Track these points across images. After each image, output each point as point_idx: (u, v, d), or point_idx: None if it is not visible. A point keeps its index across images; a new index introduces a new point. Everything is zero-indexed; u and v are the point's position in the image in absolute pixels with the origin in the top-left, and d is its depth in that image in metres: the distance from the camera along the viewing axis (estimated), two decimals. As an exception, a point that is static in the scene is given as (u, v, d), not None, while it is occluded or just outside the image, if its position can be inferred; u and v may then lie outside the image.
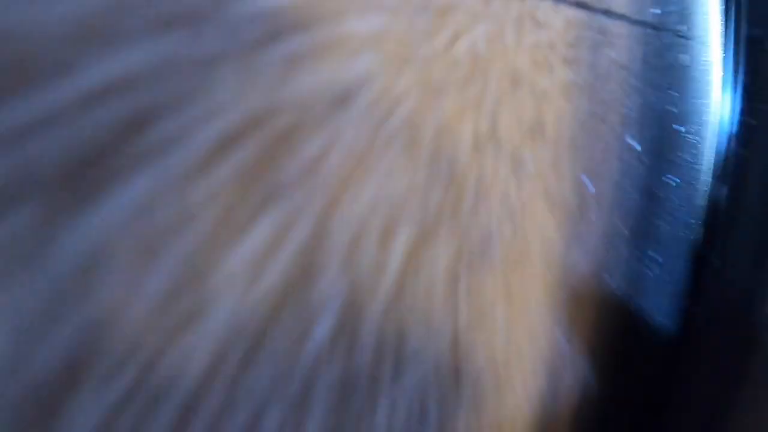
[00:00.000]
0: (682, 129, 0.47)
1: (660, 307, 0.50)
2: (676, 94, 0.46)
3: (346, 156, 0.21)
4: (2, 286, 0.15)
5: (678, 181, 0.48)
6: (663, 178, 0.48)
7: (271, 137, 0.19)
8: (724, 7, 0.45)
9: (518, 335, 0.34)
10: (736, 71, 0.47)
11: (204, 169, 0.18)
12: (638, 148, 0.43)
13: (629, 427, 0.50)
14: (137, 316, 0.17)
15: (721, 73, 0.47)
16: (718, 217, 0.48)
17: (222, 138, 0.18)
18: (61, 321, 0.16)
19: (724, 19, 0.45)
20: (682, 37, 0.46)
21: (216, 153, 0.18)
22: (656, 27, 0.43)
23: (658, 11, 0.44)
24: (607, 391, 0.48)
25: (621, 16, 0.39)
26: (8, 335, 0.15)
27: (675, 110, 0.46)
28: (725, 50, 0.46)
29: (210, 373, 0.18)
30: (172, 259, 0.17)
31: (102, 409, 0.17)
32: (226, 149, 0.18)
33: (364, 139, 0.21)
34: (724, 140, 0.47)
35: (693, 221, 0.49)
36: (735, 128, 0.48)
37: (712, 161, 0.48)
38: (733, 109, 0.48)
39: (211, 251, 0.18)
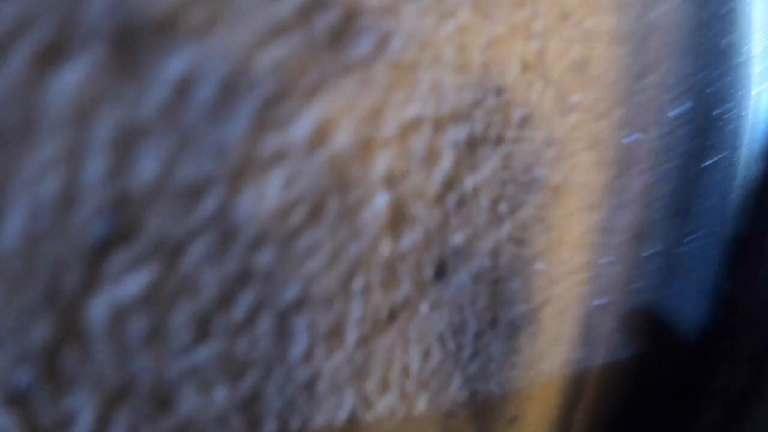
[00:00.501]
0: (718, 113, 0.48)
1: (697, 282, 0.51)
2: (717, 73, 0.48)
3: (404, 48, 0.23)
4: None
5: (724, 156, 0.49)
6: (698, 160, 0.49)
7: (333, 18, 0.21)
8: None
9: (554, 277, 0.35)
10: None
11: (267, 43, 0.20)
12: (674, 120, 0.45)
13: (660, 406, 0.51)
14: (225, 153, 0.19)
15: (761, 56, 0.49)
16: (756, 202, 0.49)
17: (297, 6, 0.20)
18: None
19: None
20: (722, 16, 0.48)
21: (285, 25, 0.20)
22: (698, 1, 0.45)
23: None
24: (639, 369, 0.49)
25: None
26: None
27: (712, 91, 0.48)
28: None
29: (274, 224, 0.21)
30: (246, 109, 0.20)
31: (180, 230, 0.19)
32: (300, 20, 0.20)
33: (418, 42, 0.23)
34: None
35: (738, 199, 0.50)
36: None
37: (759, 141, 0.50)
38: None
39: (279, 110, 0.20)
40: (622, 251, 0.43)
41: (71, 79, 0.16)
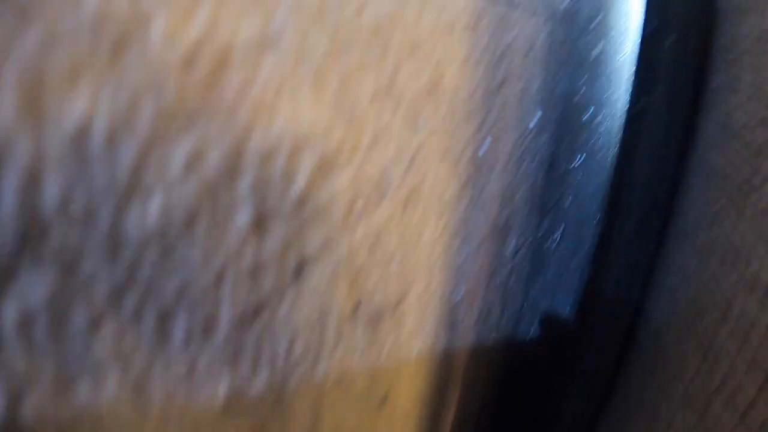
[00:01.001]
0: (587, 116, 0.56)
1: (557, 284, 0.59)
2: (584, 80, 0.55)
3: (263, 90, 0.30)
4: None
5: (588, 158, 0.57)
6: (565, 160, 0.57)
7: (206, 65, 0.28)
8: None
9: (411, 274, 0.43)
10: (641, 62, 0.54)
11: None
12: (533, 126, 0.52)
13: (522, 389, 0.59)
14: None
15: (629, 64, 0.55)
16: (617, 201, 0.56)
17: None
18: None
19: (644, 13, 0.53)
20: (591, 29, 0.55)
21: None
22: (563, 18, 0.53)
23: (568, 3, 0.52)
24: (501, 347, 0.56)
25: (521, 5, 0.49)
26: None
27: (580, 97, 0.55)
28: (638, 42, 0.53)
29: (154, 237, 0.27)
30: (130, 149, 0.26)
31: (78, 244, 0.25)
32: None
33: (279, 79, 0.30)
34: (626, 126, 0.55)
35: (595, 202, 0.57)
36: (634, 116, 0.55)
37: (614, 146, 0.56)
38: (634, 98, 0.55)
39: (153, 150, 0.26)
40: (483, 249, 0.51)
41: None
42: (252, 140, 0.30)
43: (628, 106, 0.56)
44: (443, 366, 0.50)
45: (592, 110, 0.56)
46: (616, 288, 0.56)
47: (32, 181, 0.23)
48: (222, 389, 0.32)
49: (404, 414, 0.47)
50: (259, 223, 0.31)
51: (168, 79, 0.26)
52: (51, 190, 0.24)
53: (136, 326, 0.27)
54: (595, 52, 0.55)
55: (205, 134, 0.28)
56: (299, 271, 0.33)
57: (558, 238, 0.58)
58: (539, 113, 0.53)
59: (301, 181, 0.32)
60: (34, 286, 0.24)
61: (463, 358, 0.53)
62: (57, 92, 0.23)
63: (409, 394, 0.47)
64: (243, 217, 0.30)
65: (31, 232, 0.23)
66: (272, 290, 0.32)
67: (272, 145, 0.31)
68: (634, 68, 0.55)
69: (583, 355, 0.57)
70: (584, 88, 0.55)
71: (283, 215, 0.32)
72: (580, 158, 0.57)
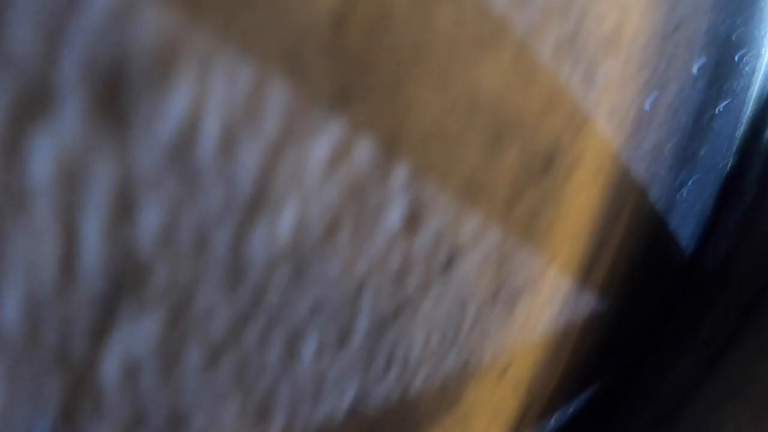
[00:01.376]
0: (738, 57, 0.48)
1: (685, 229, 0.53)
2: (740, 20, 0.46)
3: (435, 51, 0.21)
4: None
5: (734, 99, 0.49)
6: (712, 106, 0.49)
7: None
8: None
9: (557, 246, 0.36)
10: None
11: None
12: (696, 72, 0.44)
13: (632, 345, 0.55)
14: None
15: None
16: (755, 151, 0.50)
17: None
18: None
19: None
20: None
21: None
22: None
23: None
24: (620, 304, 0.51)
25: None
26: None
27: (735, 38, 0.47)
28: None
29: (287, 250, 0.20)
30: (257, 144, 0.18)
31: (189, 273, 0.18)
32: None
33: (454, 35, 0.22)
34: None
35: (730, 151, 0.51)
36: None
37: (756, 87, 0.49)
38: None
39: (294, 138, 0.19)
40: (631, 203, 0.44)
41: (53, 139, 0.14)
42: (412, 120, 0.22)
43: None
44: (561, 334, 0.45)
45: (743, 52, 0.48)
46: (740, 236, 0.51)
47: (122, 211, 0.16)
48: (349, 395, 0.26)
49: (519, 381, 0.42)
50: (412, 220, 0.24)
51: (308, 46, 0.18)
52: (149, 219, 0.17)
53: (261, 353, 0.21)
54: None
55: (355, 120, 0.20)
56: (449, 264, 0.26)
57: (690, 186, 0.52)
58: (703, 59, 0.43)
59: (469, 159, 0.24)
60: (138, 334, 0.18)
61: (579, 323, 0.48)
62: (143, 80, 0.15)
63: (526, 363, 0.42)
64: (394, 216, 0.23)
65: (127, 275, 0.17)
66: (417, 289, 0.26)
67: (437, 124, 0.23)
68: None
69: (701, 312, 0.53)
70: (740, 29, 0.47)
71: (440, 205, 0.24)
72: (724, 103, 0.50)
